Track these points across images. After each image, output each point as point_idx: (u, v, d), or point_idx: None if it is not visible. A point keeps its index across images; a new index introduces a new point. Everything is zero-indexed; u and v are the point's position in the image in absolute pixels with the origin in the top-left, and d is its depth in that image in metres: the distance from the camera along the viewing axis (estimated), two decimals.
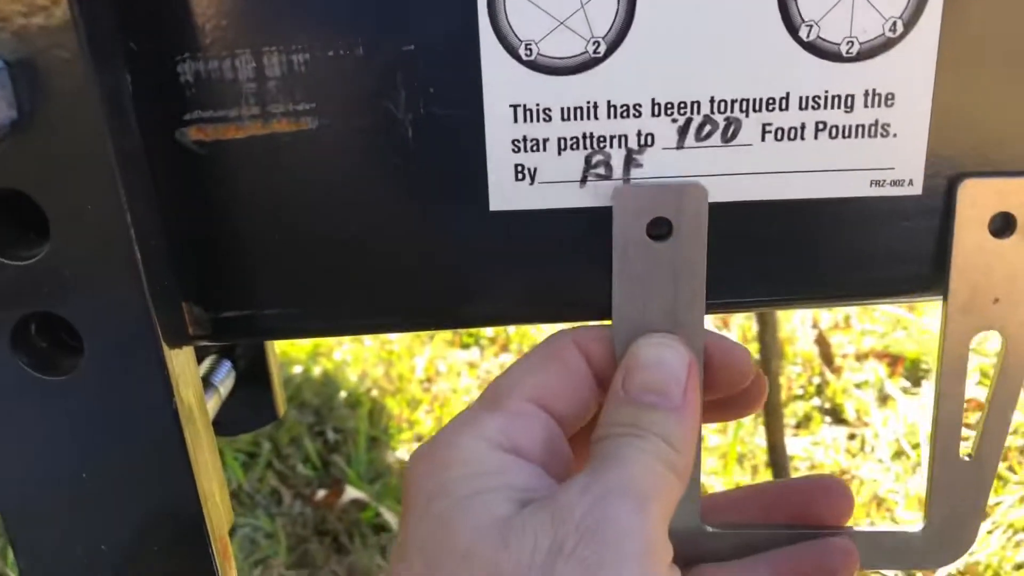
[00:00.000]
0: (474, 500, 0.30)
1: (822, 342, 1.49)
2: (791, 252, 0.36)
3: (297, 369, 1.48)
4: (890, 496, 1.21)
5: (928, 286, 0.36)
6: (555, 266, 0.36)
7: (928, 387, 1.37)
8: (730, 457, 1.27)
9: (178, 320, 0.36)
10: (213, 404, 0.44)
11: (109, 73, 0.32)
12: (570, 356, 0.35)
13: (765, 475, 1.24)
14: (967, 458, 0.36)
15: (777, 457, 1.14)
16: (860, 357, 1.49)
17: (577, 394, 0.35)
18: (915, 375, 1.44)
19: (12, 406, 0.34)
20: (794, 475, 1.23)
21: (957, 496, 0.37)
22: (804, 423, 1.37)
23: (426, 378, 1.49)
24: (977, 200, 0.34)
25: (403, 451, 1.34)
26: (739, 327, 1.40)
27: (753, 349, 1.43)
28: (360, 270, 0.36)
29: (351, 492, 1.23)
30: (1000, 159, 0.34)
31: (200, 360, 0.47)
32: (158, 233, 0.34)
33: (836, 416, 1.37)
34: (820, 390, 1.42)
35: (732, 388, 0.36)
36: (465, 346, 1.56)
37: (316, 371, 1.49)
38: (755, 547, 0.37)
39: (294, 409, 1.39)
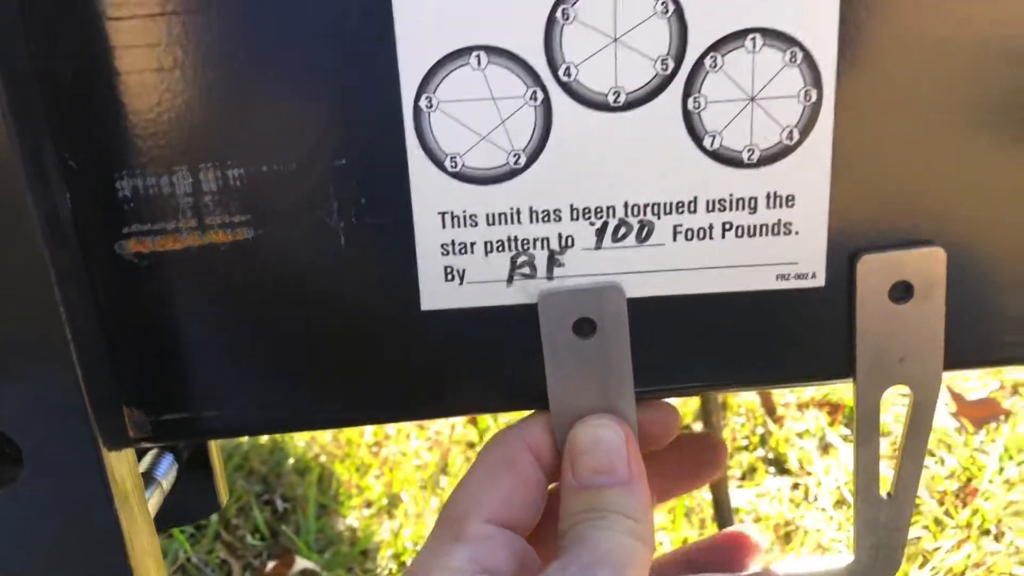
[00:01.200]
0: None
1: (764, 393, 1.53)
2: (709, 342, 0.38)
3: (244, 436, 1.47)
4: (834, 545, 1.23)
5: (837, 370, 0.38)
6: (488, 359, 0.38)
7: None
8: (678, 512, 1.29)
9: (118, 424, 0.37)
10: (156, 499, 0.45)
11: (47, 191, 0.33)
12: (523, 463, 0.37)
13: (712, 529, 1.25)
14: (887, 496, 0.39)
15: (722, 511, 1.16)
16: (801, 406, 1.52)
17: (532, 499, 0.37)
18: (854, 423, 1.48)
19: None
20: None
21: (880, 531, 0.40)
22: (749, 474, 1.39)
23: (375, 442, 1.49)
24: (876, 272, 0.36)
25: (353, 518, 1.34)
26: None
27: (695, 402, 1.46)
28: (297, 371, 0.37)
29: (301, 562, 1.22)
30: (889, 241, 0.37)
31: (143, 453, 0.47)
32: (98, 342, 0.35)
33: (780, 466, 1.40)
34: (764, 440, 1.45)
35: (661, 442, 0.39)
36: None
37: (263, 438, 1.48)
38: None
39: (241, 478, 1.37)
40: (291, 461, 1.43)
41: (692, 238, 0.36)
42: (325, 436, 1.49)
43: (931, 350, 0.37)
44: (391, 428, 1.51)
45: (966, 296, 0.37)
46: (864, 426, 0.39)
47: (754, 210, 0.36)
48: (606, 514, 0.34)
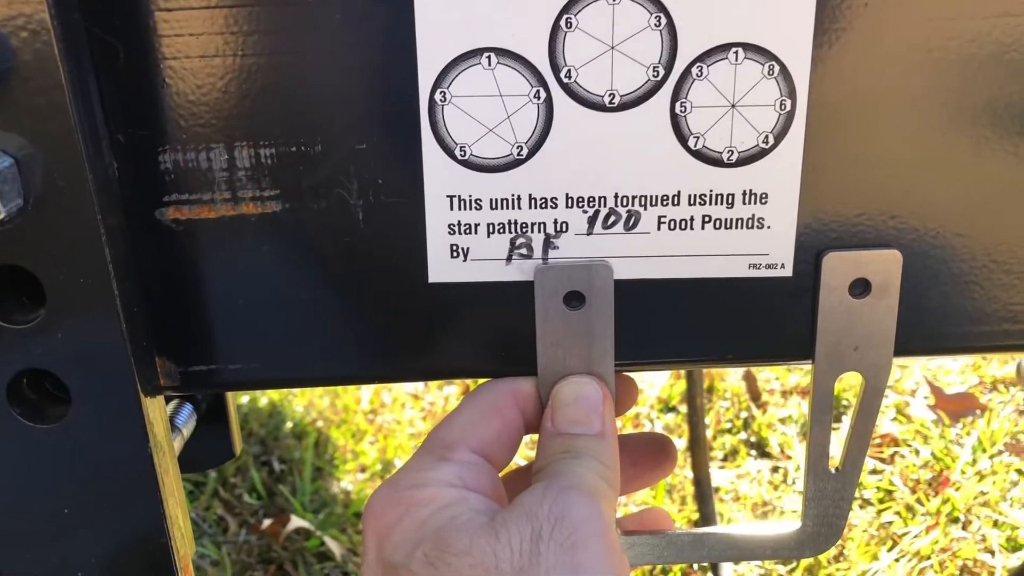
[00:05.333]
0: (456, 519, 0.36)
1: (750, 379, 1.57)
2: (684, 322, 0.42)
3: (244, 399, 1.52)
4: None
5: (798, 354, 0.42)
6: (485, 328, 0.42)
7: (847, 421, 1.46)
8: (659, 488, 1.34)
9: (152, 373, 0.41)
10: (177, 444, 0.49)
11: (100, 163, 0.37)
12: (509, 409, 0.41)
13: (692, 506, 1.30)
14: (835, 471, 0.44)
15: (702, 489, 1.21)
16: (785, 393, 1.57)
17: (511, 443, 0.42)
18: (836, 411, 1.53)
19: (6, 451, 0.39)
20: (719, 507, 1.30)
21: (827, 501, 0.44)
22: (731, 456, 1.44)
23: (371, 410, 1.53)
24: (839, 268, 0.41)
25: (347, 482, 1.38)
26: None
27: (681, 385, 1.51)
28: (312, 331, 0.42)
29: (296, 521, 1.27)
30: (852, 241, 0.41)
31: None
32: (139, 299, 0.39)
33: (761, 449, 1.45)
34: (747, 424, 1.50)
35: (622, 409, 0.44)
36: None
37: (263, 401, 1.53)
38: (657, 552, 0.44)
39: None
40: (289, 425, 1.48)
41: (675, 228, 0.40)
42: (323, 402, 1.54)
43: (883, 342, 0.41)
44: (387, 397, 1.56)
45: (916, 293, 0.41)
46: (818, 407, 0.43)
47: (731, 205, 0.40)
48: (581, 455, 0.38)
